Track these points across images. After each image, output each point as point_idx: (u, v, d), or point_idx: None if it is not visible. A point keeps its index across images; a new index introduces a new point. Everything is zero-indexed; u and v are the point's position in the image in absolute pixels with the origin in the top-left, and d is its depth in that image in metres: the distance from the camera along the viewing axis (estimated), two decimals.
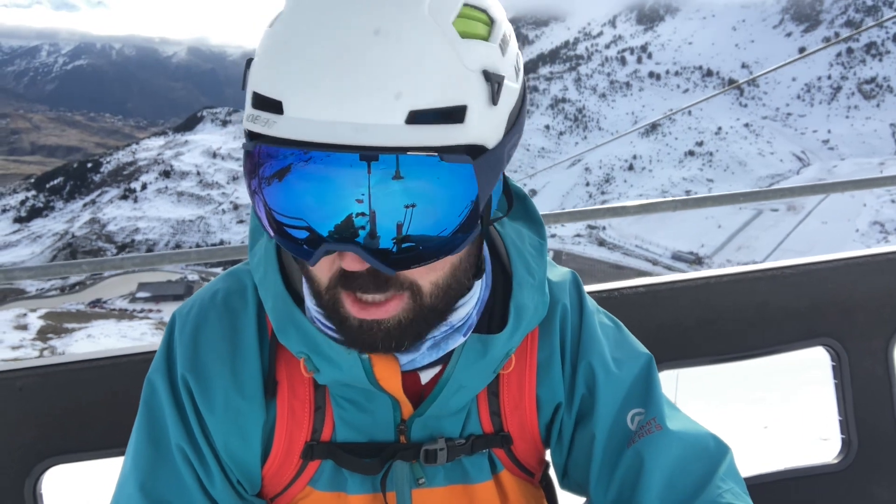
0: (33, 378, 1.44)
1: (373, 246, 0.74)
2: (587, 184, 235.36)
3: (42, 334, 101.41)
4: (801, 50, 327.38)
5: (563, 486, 1.10)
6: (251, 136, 0.76)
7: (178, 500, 0.93)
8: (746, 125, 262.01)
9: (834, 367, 1.81)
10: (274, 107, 0.71)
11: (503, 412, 1.01)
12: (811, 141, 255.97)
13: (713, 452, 0.96)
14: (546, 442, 1.07)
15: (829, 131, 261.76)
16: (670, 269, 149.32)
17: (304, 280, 0.89)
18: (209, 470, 0.94)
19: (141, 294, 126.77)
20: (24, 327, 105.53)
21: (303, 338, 0.89)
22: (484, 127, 0.74)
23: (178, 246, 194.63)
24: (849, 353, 1.80)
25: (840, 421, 1.81)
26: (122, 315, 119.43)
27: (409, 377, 0.95)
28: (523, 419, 1.02)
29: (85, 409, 1.45)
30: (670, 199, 4.06)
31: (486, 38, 0.75)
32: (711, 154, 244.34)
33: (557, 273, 1.09)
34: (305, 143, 0.70)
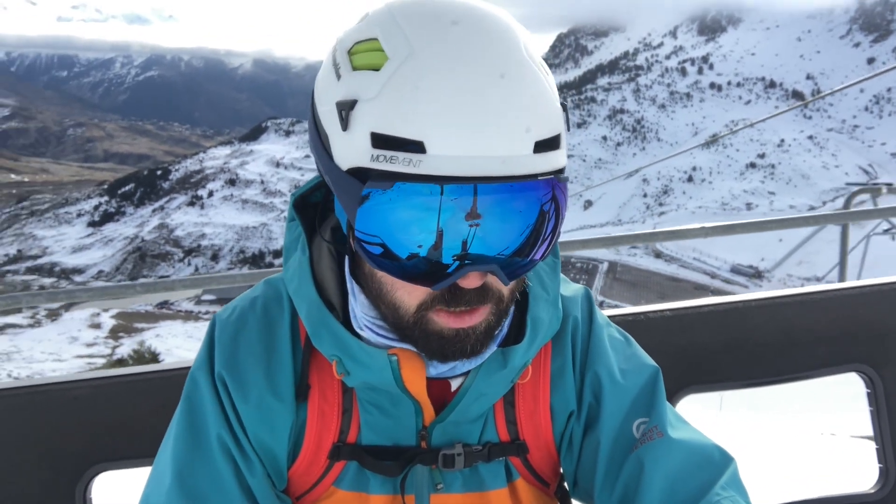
0: (87, 389, 1.55)
1: (501, 262, 0.84)
2: (644, 195, 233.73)
3: (114, 333, 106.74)
4: (870, 60, 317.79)
5: (574, 495, 1.12)
6: (372, 173, 0.78)
7: (213, 492, 0.96)
8: (810, 137, 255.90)
9: (869, 394, 1.79)
10: (410, 146, 0.76)
11: (519, 421, 1.05)
12: (879, 154, 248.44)
13: (716, 462, 0.97)
14: (560, 451, 1.10)
15: None
16: (729, 282, 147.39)
17: (359, 293, 0.95)
18: (249, 460, 0.98)
19: (206, 297, 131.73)
20: (97, 326, 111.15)
21: (335, 342, 0.93)
22: (565, 150, 0.85)
23: (241, 251, 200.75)
24: (884, 379, 1.77)
25: (877, 449, 1.78)
26: (189, 316, 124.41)
27: (437, 384, 1.00)
28: (538, 428, 1.06)
29: (135, 419, 1.55)
30: (698, 225, 3.93)
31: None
32: (773, 166, 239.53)
33: (570, 289, 1.14)
34: (458, 178, 0.75)
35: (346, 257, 0.97)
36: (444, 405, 1.01)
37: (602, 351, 1.07)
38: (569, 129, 0.86)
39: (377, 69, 0.79)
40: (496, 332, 0.93)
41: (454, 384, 1.01)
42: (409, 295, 0.87)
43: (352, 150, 0.80)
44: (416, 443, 1.02)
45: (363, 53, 0.82)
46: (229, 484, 0.96)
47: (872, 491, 1.78)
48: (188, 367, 1.49)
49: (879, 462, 1.77)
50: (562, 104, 0.84)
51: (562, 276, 1.10)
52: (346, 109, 0.79)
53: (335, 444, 1.01)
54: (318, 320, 0.94)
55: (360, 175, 0.79)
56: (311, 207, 1.05)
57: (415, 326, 0.88)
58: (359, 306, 0.95)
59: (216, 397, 0.99)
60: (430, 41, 0.78)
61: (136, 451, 1.55)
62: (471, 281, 0.83)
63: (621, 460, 1.00)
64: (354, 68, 0.81)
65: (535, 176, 0.78)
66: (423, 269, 0.83)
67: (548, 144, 0.80)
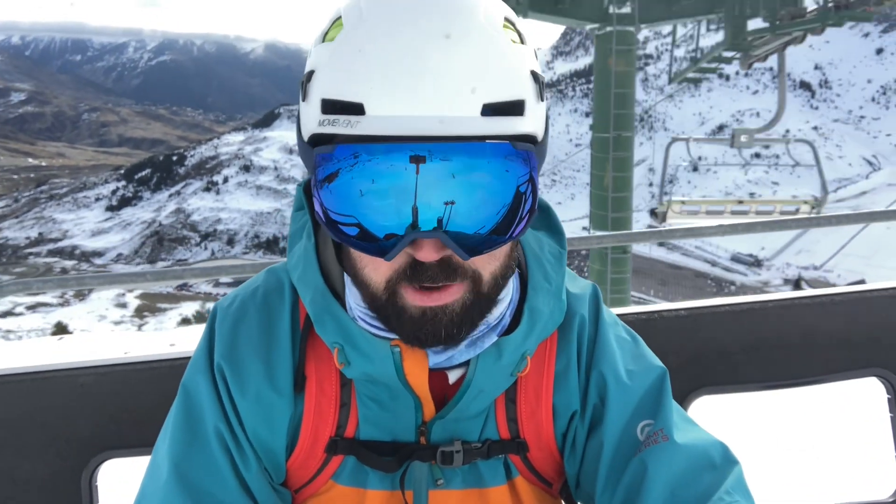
0: (94, 376, 1.54)
1: (452, 233, 0.80)
2: (650, 184, 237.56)
3: (139, 312, 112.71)
4: (879, 51, 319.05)
5: (577, 497, 1.09)
6: (323, 139, 0.82)
7: (211, 484, 0.94)
8: (815, 128, 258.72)
9: (889, 400, 1.75)
10: (352, 109, 0.76)
11: (520, 419, 1.03)
12: (884, 145, 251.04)
13: (720, 465, 0.94)
14: (562, 451, 1.08)
15: None
16: (729, 270, 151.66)
17: (351, 284, 0.94)
18: (245, 454, 0.97)
19: (224, 279, 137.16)
20: (123, 305, 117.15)
21: (339, 330, 0.92)
22: (535, 120, 0.84)
23: (256, 236, 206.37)
24: None
25: None
26: (208, 297, 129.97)
27: (436, 378, 0.97)
28: (539, 427, 1.04)
29: (141, 408, 1.54)
30: (716, 223, 3.90)
31: (523, 45, 0.86)
32: (778, 157, 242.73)
33: (578, 286, 1.11)
34: (394, 137, 0.75)
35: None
36: (444, 401, 0.99)
37: (608, 351, 1.05)
38: (542, 100, 0.85)
39: (333, 40, 0.82)
40: (478, 316, 0.90)
41: (452, 377, 0.99)
42: (376, 271, 0.86)
43: (308, 119, 0.82)
44: (415, 438, 1.00)
45: (331, 31, 0.84)
46: (227, 476, 0.96)
47: (891, 500, 1.75)
48: None
49: None
50: (535, 73, 0.83)
51: (570, 271, 1.08)
52: (305, 81, 0.83)
53: (332, 437, 1.00)
54: (323, 307, 0.94)
55: (315, 143, 0.82)
56: None
57: (387, 305, 0.87)
58: (351, 296, 0.95)
59: (214, 389, 0.98)
60: (378, 6, 0.79)
61: (142, 440, 1.54)
62: (426, 253, 0.80)
63: (624, 463, 0.97)
64: (323, 43, 0.84)
65: (482, 138, 0.77)
66: (376, 240, 0.82)
67: (503, 109, 0.78)
